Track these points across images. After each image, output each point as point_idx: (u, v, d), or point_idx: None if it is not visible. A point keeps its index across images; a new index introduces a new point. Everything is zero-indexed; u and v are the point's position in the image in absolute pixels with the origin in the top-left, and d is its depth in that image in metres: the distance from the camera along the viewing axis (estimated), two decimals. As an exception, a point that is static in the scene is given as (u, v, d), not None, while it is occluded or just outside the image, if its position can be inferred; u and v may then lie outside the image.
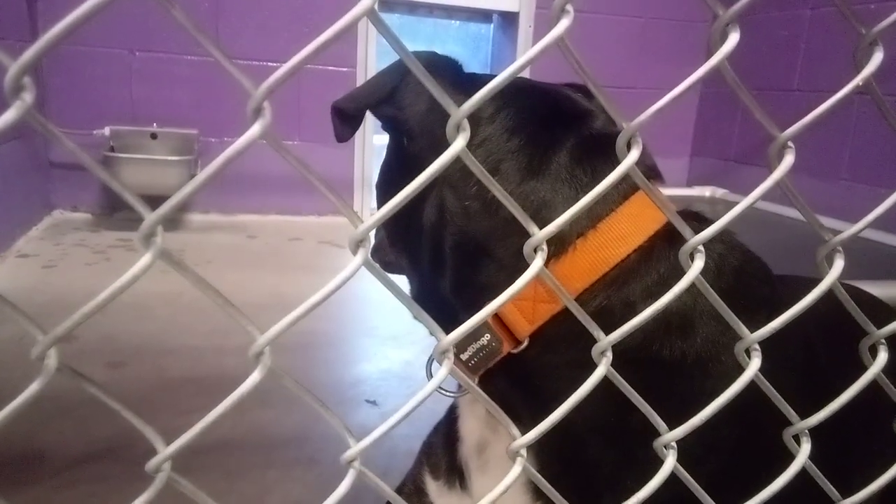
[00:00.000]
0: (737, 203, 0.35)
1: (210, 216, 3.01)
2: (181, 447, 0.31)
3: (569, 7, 0.31)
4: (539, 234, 0.35)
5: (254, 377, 0.31)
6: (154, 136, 2.87)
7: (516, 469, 0.36)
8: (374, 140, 3.12)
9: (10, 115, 0.27)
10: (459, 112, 0.32)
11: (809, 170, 2.63)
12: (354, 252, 0.32)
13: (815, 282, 0.92)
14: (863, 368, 0.43)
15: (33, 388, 0.28)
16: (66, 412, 1.28)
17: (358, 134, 3.23)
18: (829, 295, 0.39)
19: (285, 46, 2.95)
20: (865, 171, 2.57)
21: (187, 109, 2.93)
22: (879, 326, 0.42)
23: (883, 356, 0.41)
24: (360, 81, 3.07)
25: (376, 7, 0.30)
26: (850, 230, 0.37)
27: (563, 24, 0.31)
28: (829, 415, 0.40)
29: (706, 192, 3.13)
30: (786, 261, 1.21)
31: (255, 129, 0.29)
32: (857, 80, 0.36)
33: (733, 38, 0.33)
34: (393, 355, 1.72)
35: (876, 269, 1.48)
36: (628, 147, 0.35)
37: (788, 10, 2.92)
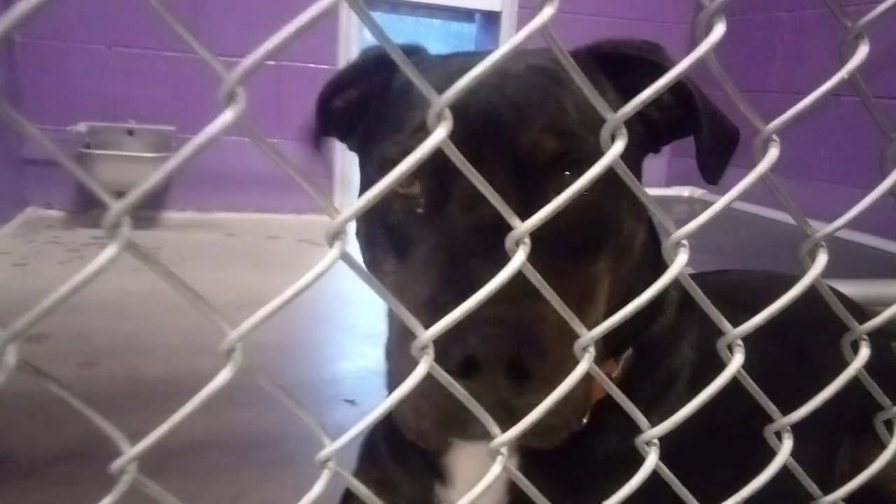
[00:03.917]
0: (715, 203, 0.35)
1: (187, 214, 2.96)
2: (147, 447, 0.30)
3: (553, -6, 0.30)
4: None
5: (224, 374, 0.30)
6: (131, 132, 2.82)
7: (496, 468, 0.35)
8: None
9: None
10: (441, 101, 0.31)
11: (786, 171, 2.66)
12: (331, 245, 0.31)
13: (786, 278, 0.92)
14: (843, 364, 0.43)
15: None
16: (37, 412, 1.24)
17: (338, 132, 3.21)
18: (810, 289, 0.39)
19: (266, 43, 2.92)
20: (842, 171, 2.61)
21: (164, 106, 2.88)
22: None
23: (865, 352, 0.41)
24: (340, 79, 3.05)
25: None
26: (834, 224, 0.37)
27: (548, 11, 0.30)
28: (811, 411, 0.40)
29: (685, 191, 3.16)
30: (763, 260, 1.23)
31: (227, 115, 0.28)
32: (843, 73, 0.35)
33: (719, 29, 0.33)
34: (372, 353, 1.70)
35: (850, 269, 1.50)
36: (612, 139, 0.35)
37: (766, 12, 2.96)
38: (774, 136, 0.35)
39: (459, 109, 0.53)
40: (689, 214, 2.92)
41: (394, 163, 0.52)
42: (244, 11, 2.92)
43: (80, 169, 0.27)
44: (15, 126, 0.27)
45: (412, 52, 0.64)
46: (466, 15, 3.48)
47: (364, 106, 0.66)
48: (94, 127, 2.77)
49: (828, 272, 0.39)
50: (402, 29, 3.45)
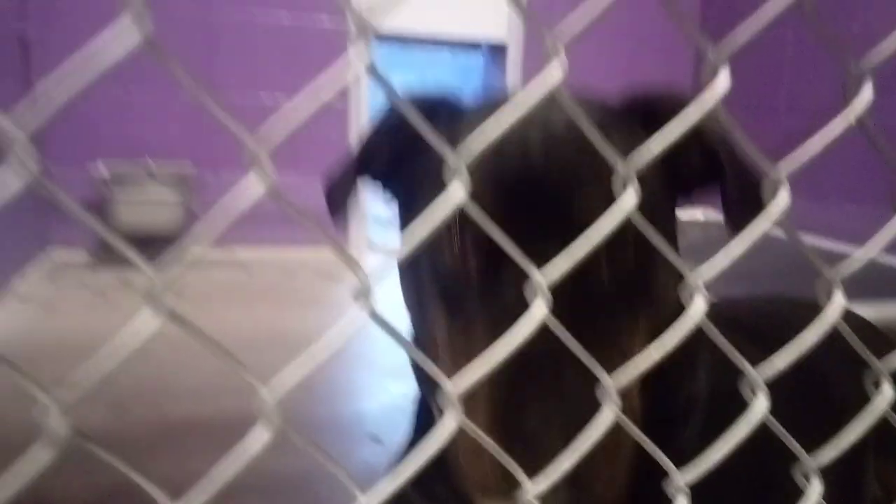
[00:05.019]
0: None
1: (206, 250, 3.01)
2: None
3: (560, 47, 0.32)
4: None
5: (263, 437, 0.31)
6: (150, 172, 2.88)
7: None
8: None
9: (15, 184, 0.27)
10: (460, 158, 0.32)
11: (799, 191, 2.65)
12: (358, 304, 0.32)
13: (802, 304, 0.89)
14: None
15: (43, 458, 0.28)
16: (72, 460, 1.26)
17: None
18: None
19: (278, 83, 2.99)
20: (855, 190, 2.59)
21: (181, 143, 2.94)
22: (873, 352, 0.42)
23: (888, 390, 0.41)
24: (352, 117, 3.10)
25: (374, 64, 0.30)
26: (848, 265, 0.37)
27: (556, 72, 0.32)
28: (839, 453, 0.40)
29: (699, 214, 3.14)
30: (781, 282, 1.22)
31: (259, 189, 0.29)
32: (849, 117, 0.36)
33: (724, 80, 0.34)
34: (394, 389, 1.71)
35: (870, 290, 1.48)
36: (624, 187, 0.36)
37: (772, 30, 2.97)
38: (784, 180, 0.36)
39: (504, 172, 0.51)
40: (705, 239, 2.90)
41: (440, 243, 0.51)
42: (256, 54, 2.99)
43: (128, 246, 0.29)
44: (54, 201, 0.29)
45: (443, 103, 0.61)
46: (473, 47, 3.54)
47: (397, 160, 0.62)
48: (115, 168, 2.83)
49: (848, 294, 0.40)
50: (411, 61, 3.51)
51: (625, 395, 0.50)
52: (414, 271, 0.56)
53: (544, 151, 0.51)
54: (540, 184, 0.50)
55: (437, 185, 0.53)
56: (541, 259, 0.36)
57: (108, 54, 0.27)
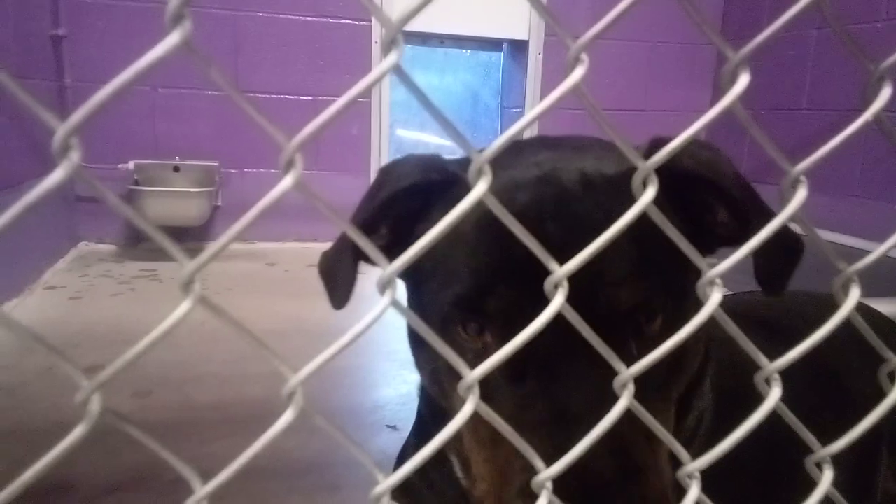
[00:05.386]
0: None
1: (230, 244, 3.05)
2: (219, 486, 0.32)
3: (583, 56, 0.33)
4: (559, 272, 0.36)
5: (287, 417, 0.32)
6: (177, 168, 2.93)
7: (542, 502, 0.37)
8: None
9: (58, 174, 0.29)
10: (482, 157, 0.33)
11: (820, 186, 2.62)
12: (382, 293, 0.34)
13: (818, 299, 0.89)
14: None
15: (78, 432, 0.29)
16: (95, 441, 1.29)
17: (374, 160, 3.27)
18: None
19: (302, 79, 3.01)
20: (877, 187, 2.55)
21: (208, 142, 2.99)
22: (891, 349, 0.42)
23: (904, 384, 0.41)
24: (374, 112, 3.12)
25: (401, 63, 0.31)
26: (865, 261, 0.38)
27: (578, 72, 0.33)
28: (851, 442, 0.40)
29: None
30: (799, 277, 1.21)
31: (287, 181, 0.31)
32: (867, 116, 0.37)
33: (743, 80, 0.34)
34: (412, 379, 1.72)
35: (887, 285, 1.46)
36: (644, 185, 0.36)
37: (795, 30, 2.93)
38: (802, 177, 0.36)
39: (525, 205, 0.50)
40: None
41: (453, 318, 0.51)
42: (280, 51, 3.02)
43: (163, 235, 0.30)
44: (93, 191, 0.30)
45: (434, 165, 0.59)
46: (494, 45, 3.53)
47: (401, 231, 0.60)
48: (142, 164, 2.89)
49: (864, 290, 0.40)
50: (432, 60, 3.52)
51: (662, 393, 0.51)
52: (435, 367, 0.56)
53: (565, 228, 0.50)
54: (558, 216, 0.50)
55: (451, 276, 0.52)
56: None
57: (149, 56, 0.29)
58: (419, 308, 0.56)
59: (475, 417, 0.36)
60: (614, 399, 0.38)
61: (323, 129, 0.31)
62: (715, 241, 0.58)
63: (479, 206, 0.33)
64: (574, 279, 0.47)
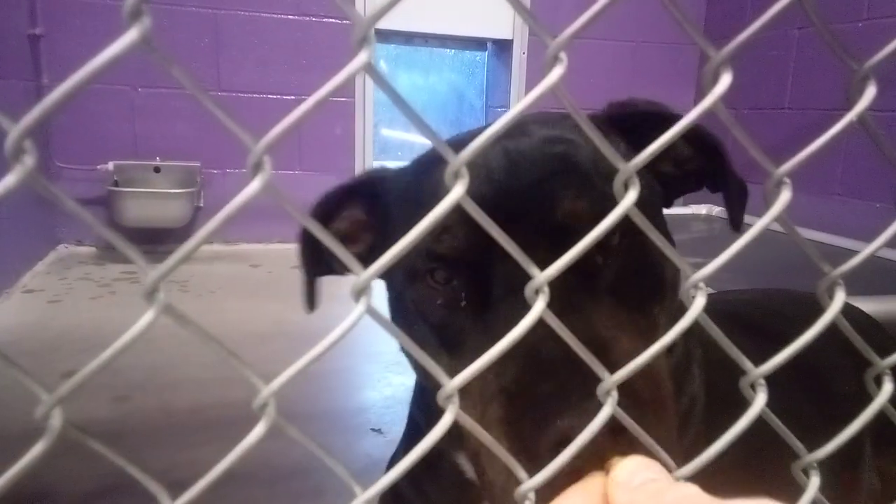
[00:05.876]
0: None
1: (213, 246, 3.02)
2: (187, 502, 0.31)
3: (562, 55, 0.32)
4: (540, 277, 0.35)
5: (258, 430, 0.31)
6: (157, 169, 2.89)
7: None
8: (374, 165, 3.13)
9: (10, 179, 0.27)
10: (458, 160, 0.32)
11: (803, 186, 2.64)
12: (356, 300, 0.32)
13: (796, 296, 0.90)
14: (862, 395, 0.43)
15: (37, 449, 0.28)
16: (74, 448, 1.27)
17: (358, 160, 3.25)
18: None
19: (284, 79, 2.99)
20: (858, 185, 2.57)
21: (189, 143, 2.95)
22: (874, 349, 0.41)
23: (888, 387, 0.41)
24: (358, 112, 3.10)
25: (373, 62, 0.30)
26: (850, 263, 0.37)
27: (557, 72, 0.32)
28: (837, 447, 0.40)
29: (702, 210, 3.14)
30: (783, 277, 1.22)
31: (255, 185, 0.29)
32: (852, 116, 0.36)
33: (725, 80, 0.34)
34: (397, 381, 1.71)
35: (871, 285, 1.47)
36: (626, 188, 0.35)
37: (777, 30, 2.96)
38: (786, 179, 0.36)
39: (480, 195, 0.50)
40: (709, 232, 2.89)
41: (422, 271, 0.52)
42: (263, 50, 2.99)
43: (119, 238, 0.29)
44: (48, 196, 0.29)
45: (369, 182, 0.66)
46: (478, 44, 3.52)
47: (371, 228, 0.66)
48: (122, 165, 2.85)
49: (848, 289, 0.40)
50: (416, 60, 3.50)
51: (658, 381, 0.51)
52: (406, 313, 0.57)
53: (524, 163, 0.52)
54: (519, 193, 0.51)
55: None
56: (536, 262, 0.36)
57: (105, 53, 0.27)
58: (395, 288, 0.58)
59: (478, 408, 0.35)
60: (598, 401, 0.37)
61: (291, 130, 0.30)
62: (680, 184, 0.62)
63: (441, 185, 0.33)
64: (525, 199, 0.50)
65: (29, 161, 0.28)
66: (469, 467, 0.62)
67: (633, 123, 0.60)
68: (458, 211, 0.51)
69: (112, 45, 0.28)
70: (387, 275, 0.61)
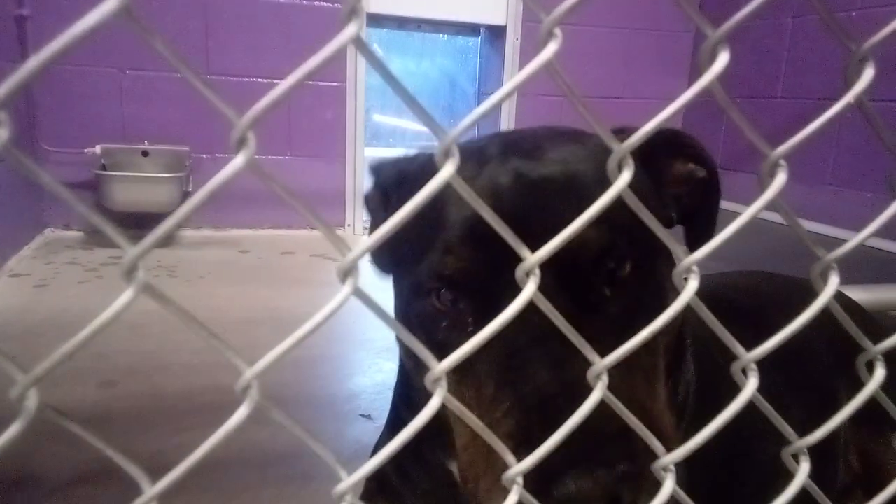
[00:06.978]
0: (724, 210, 0.35)
1: (203, 231, 3.00)
2: (168, 486, 0.30)
3: (556, 31, 0.31)
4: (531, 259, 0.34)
5: (241, 413, 0.30)
6: (145, 153, 2.86)
7: (512, 498, 0.35)
8: (365, 153, 3.11)
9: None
10: (448, 137, 0.32)
11: (795, 175, 2.64)
12: (343, 281, 0.32)
13: (780, 278, 0.92)
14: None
15: (12, 430, 0.27)
16: (59, 433, 1.26)
17: (349, 146, 3.23)
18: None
19: (274, 63, 2.95)
20: (851, 175, 2.58)
21: (178, 127, 2.92)
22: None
23: (881, 372, 0.40)
24: (349, 96, 3.06)
25: (362, 34, 0.29)
26: (844, 248, 0.37)
27: (551, 48, 0.31)
28: (828, 432, 0.40)
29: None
30: (775, 266, 1.22)
31: (238, 160, 0.29)
32: (849, 98, 0.36)
33: (723, 59, 0.33)
34: (387, 367, 1.71)
35: (861, 274, 1.48)
36: (619, 168, 0.35)
37: (771, 18, 2.95)
38: (782, 161, 0.35)
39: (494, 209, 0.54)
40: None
41: (427, 288, 0.53)
42: (253, 34, 2.95)
43: (98, 216, 0.28)
44: (25, 171, 0.28)
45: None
46: (472, 30, 3.49)
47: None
48: (110, 149, 2.81)
49: (841, 278, 0.39)
50: (409, 45, 3.47)
51: (652, 366, 0.51)
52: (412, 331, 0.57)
53: (533, 185, 0.53)
54: (531, 214, 0.51)
55: (426, 251, 0.54)
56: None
57: (82, 22, 0.26)
58: (399, 287, 0.58)
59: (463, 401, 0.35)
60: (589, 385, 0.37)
61: (277, 105, 0.29)
62: (677, 204, 0.62)
63: (451, 188, 0.32)
64: (544, 221, 0.49)
65: (3, 133, 0.27)
66: (448, 458, 0.62)
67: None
68: (460, 230, 0.51)
69: (92, 12, 0.27)
70: (395, 281, 0.62)
